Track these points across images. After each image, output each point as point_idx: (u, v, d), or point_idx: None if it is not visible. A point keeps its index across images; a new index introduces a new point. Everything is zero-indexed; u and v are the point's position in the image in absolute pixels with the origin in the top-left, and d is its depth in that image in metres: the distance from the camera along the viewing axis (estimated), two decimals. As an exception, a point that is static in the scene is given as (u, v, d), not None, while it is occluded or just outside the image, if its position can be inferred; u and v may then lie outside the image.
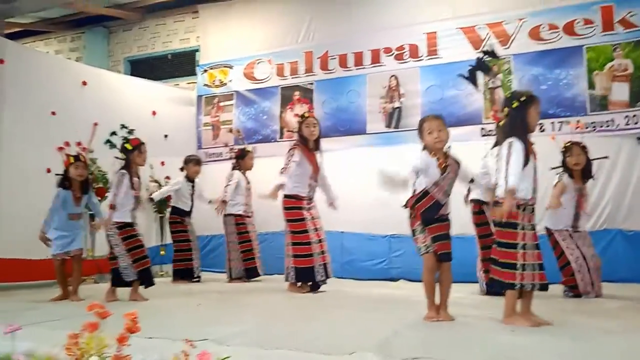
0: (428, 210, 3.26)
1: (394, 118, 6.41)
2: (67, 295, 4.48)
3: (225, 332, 2.67)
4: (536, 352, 2.30)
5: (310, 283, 4.83)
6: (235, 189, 6.05)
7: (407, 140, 6.08)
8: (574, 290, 4.36)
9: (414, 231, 3.33)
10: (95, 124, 6.10)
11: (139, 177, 4.58)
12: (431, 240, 3.24)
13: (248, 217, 6.16)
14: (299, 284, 4.87)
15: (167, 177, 6.82)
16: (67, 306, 4.10)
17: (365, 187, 6.04)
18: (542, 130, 5.55)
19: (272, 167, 6.02)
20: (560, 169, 4.57)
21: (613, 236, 5.29)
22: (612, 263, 4.94)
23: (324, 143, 5.67)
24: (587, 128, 5.34)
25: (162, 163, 6.86)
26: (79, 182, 4.59)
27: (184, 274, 6.07)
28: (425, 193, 3.27)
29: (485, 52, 3.56)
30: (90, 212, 5.21)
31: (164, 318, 3.31)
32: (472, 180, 3.48)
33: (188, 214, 6.22)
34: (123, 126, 4.68)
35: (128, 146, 4.47)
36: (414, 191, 3.34)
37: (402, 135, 6.22)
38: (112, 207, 4.36)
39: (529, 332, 2.76)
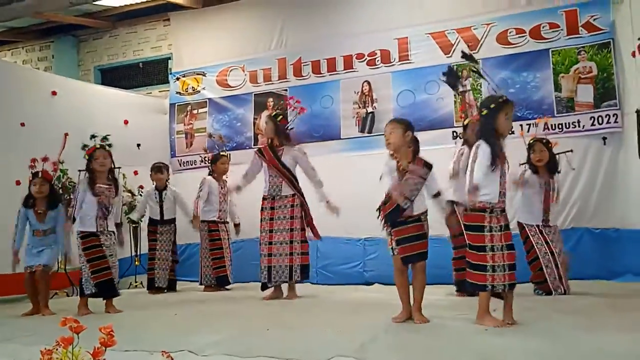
0: (391, 213, 3.32)
1: (367, 123, 6.47)
2: (38, 309, 4.40)
3: (202, 342, 2.67)
4: (512, 353, 2.35)
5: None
6: (208, 195, 6.02)
7: (381, 145, 6.00)
8: (543, 287, 4.48)
9: (389, 233, 3.38)
10: (66, 135, 6.04)
11: (109, 183, 4.42)
12: (395, 243, 3.29)
13: (222, 223, 6.13)
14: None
15: (141, 186, 6.75)
16: (39, 321, 4.03)
17: (339, 191, 6.06)
18: (512, 133, 5.66)
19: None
20: (527, 165, 4.73)
21: (581, 234, 5.41)
22: (580, 261, 5.06)
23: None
24: (554, 129, 5.50)
25: (135, 172, 6.79)
26: (42, 198, 4.53)
27: (150, 283, 6.05)
28: (388, 197, 3.34)
29: (465, 55, 3.57)
30: None
31: (139, 330, 3.27)
32: (437, 194, 3.51)
33: (159, 222, 6.15)
34: (93, 136, 4.62)
35: (86, 156, 4.44)
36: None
37: (376, 140, 6.26)
38: (72, 219, 4.35)
39: (505, 333, 2.81)
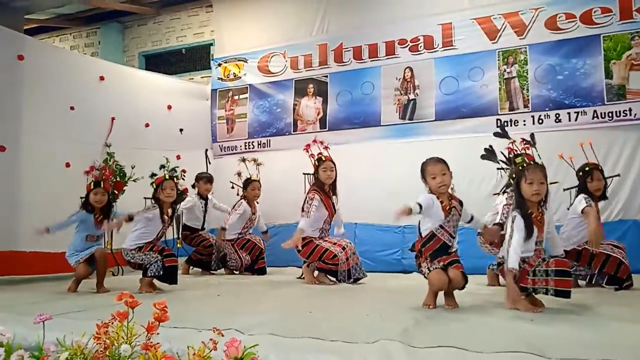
0: (436, 252, 3.34)
1: (408, 110, 6.41)
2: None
3: (248, 322, 2.72)
4: (558, 341, 2.31)
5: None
6: (237, 218, 6.02)
7: (422, 132, 6.14)
8: None
9: (419, 265, 3.44)
10: (113, 119, 6.23)
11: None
12: (446, 263, 3.31)
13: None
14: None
15: (184, 171, 6.85)
16: (93, 297, 4.17)
17: (378, 178, 6.10)
18: (559, 121, 5.54)
19: (285, 160, 6.05)
20: (582, 194, 4.30)
21: (628, 227, 5.25)
22: (628, 253, 4.91)
23: (339, 135, 5.72)
24: (604, 118, 5.31)
25: (178, 157, 6.89)
26: (100, 207, 4.68)
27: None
28: (432, 236, 3.34)
29: (497, 134, 3.80)
30: None
31: (184, 309, 3.36)
32: (471, 219, 3.51)
33: (200, 230, 6.28)
34: (162, 166, 4.76)
35: (153, 185, 4.66)
36: (420, 234, 3.43)
37: (417, 126, 6.23)
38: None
39: (550, 321, 2.77)
